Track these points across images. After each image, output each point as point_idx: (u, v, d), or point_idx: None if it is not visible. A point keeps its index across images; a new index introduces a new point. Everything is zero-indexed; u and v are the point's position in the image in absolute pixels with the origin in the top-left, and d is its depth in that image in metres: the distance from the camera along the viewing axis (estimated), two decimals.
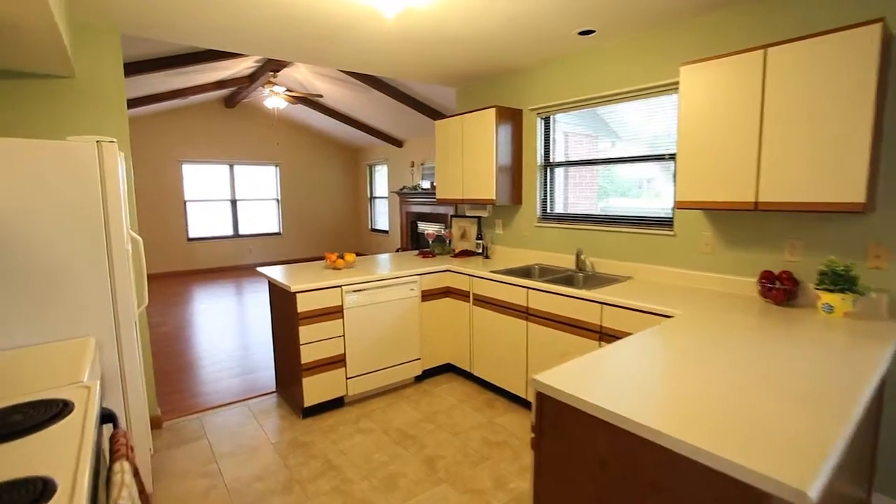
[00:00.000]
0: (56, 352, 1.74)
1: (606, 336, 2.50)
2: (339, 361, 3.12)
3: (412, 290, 3.42)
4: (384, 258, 3.99)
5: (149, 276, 8.18)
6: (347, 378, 3.17)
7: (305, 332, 2.95)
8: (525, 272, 3.51)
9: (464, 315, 3.53)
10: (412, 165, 8.32)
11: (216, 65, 5.75)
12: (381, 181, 9.89)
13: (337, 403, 3.22)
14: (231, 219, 9.09)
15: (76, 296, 1.90)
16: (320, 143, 9.98)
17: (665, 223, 2.91)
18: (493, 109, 3.53)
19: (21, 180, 1.75)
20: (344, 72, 5.85)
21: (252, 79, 6.88)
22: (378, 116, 7.83)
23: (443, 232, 4.37)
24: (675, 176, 2.79)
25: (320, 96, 6.43)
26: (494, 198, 3.60)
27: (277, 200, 9.59)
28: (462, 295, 3.52)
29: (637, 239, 3.03)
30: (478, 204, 3.89)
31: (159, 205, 8.26)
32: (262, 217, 9.47)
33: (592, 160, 3.39)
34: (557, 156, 3.63)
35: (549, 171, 3.68)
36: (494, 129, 3.55)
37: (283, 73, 6.57)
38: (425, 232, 4.36)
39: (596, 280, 3.14)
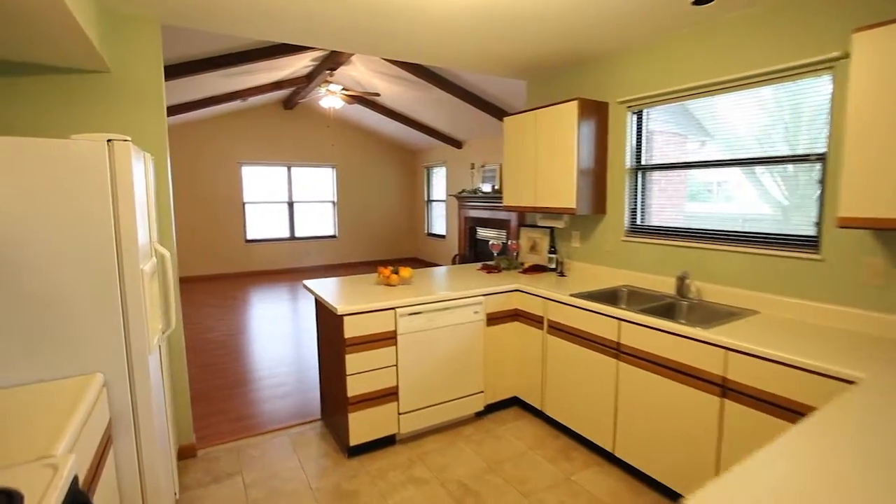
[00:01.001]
0: (45, 396, 1.41)
1: (733, 393, 1.91)
2: (390, 395, 2.70)
3: (476, 312, 2.94)
4: (442, 273, 3.55)
5: (206, 278, 8.23)
6: (400, 414, 2.74)
7: (353, 361, 2.55)
8: (611, 296, 2.94)
9: (535, 343, 3.01)
10: (472, 168, 7.86)
11: (273, 63, 5.56)
12: (439, 184, 9.50)
13: (387, 441, 2.80)
14: (288, 221, 9.03)
15: (77, 325, 1.57)
16: (377, 144, 9.75)
17: (806, 243, 2.26)
18: (576, 102, 2.99)
19: (8, 188, 1.43)
20: (404, 68, 5.49)
21: (309, 78, 6.68)
22: (437, 116, 7.44)
23: (510, 243, 3.87)
24: (821, 183, 2.14)
25: (377, 95, 6.11)
26: (575, 206, 3.06)
27: (333, 203, 9.44)
28: (534, 320, 3.00)
29: (763, 262, 2.39)
30: (552, 213, 3.36)
31: (218, 207, 8.30)
32: (319, 219, 9.35)
33: (700, 162, 2.76)
34: (648, 157, 3.03)
35: (640, 175, 3.08)
36: (576, 126, 3.00)
37: (340, 72, 6.31)
38: (490, 243, 3.88)
39: (707, 312, 2.52)
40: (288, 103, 8.37)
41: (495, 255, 3.84)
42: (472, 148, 8.18)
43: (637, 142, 3.06)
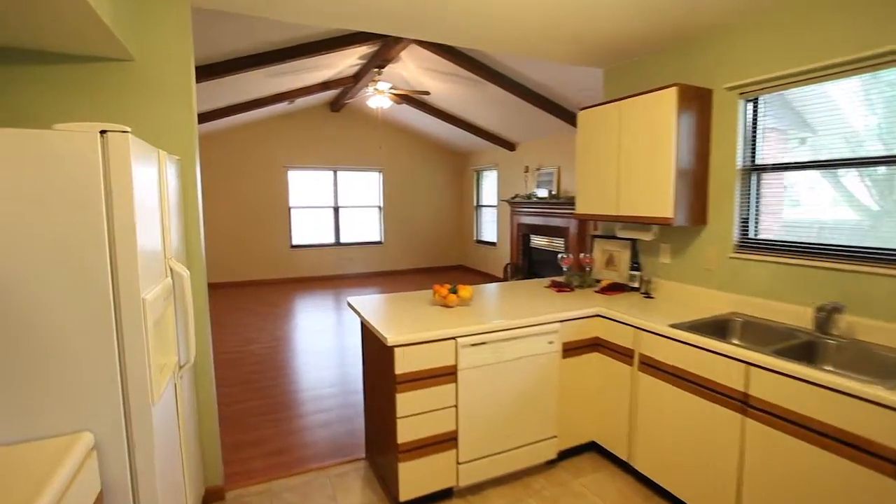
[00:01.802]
0: (12, 463, 1.05)
1: None
2: (448, 440, 2.25)
3: (551, 342, 2.45)
4: (505, 291, 3.07)
5: (250, 283, 8.10)
6: (459, 463, 2.28)
7: (405, 402, 2.12)
8: (719, 327, 2.38)
9: (621, 381, 2.48)
10: (526, 171, 7.34)
11: (320, 61, 5.28)
12: (489, 188, 9.03)
13: (443, 495, 2.34)
14: (333, 226, 8.80)
15: (56, 370, 1.21)
16: (424, 146, 9.40)
17: None
18: (675, 89, 2.45)
19: None
20: (456, 63, 5.06)
21: (357, 78, 6.38)
22: (490, 116, 6.98)
23: (583, 256, 3.35)
24: None
25: (427, 93, 5.72)
26: (672, 216, 2.52)
27: (379, 208, 9.15)
28: (620, 353, 2.48)
29: None
30: (639, 223, 2.82)
31: (264, 212, 8.17)
32: (364, 225, 9.08)
33: (842, 161, 2.15)
34: (760, 155, 2.45)
35: (754, 178, 2.50)
36: (675, 118, 2.46)
37: (389, 71, 5.97)
38: (560, 256, 3.37)
39: (870, 358, 1.92)
40: (334, 105, 8.16)
41: (565, 269, 3.34)
42: (526, 150, 7.66)
43: (752, 136, 2.48)
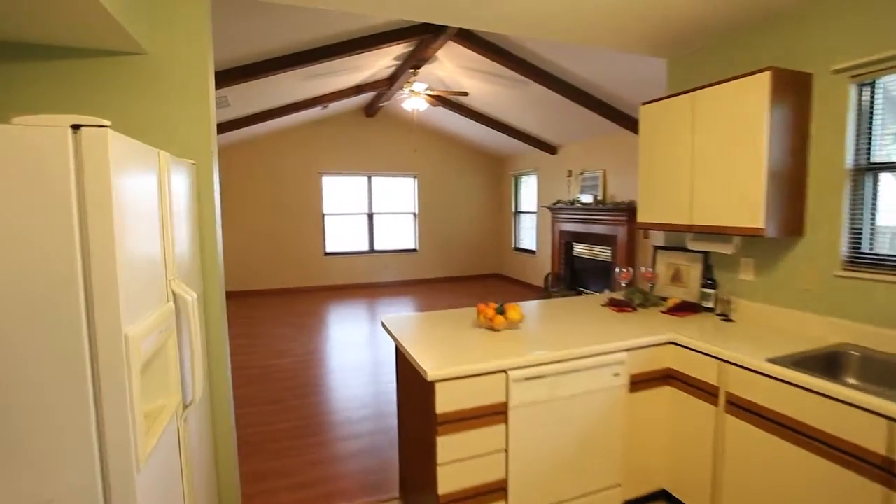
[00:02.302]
0: None
1: None
2: (496, 490, 1.91)
3: (617, 375, 2.08)
4: (557, 310, 2.72)
5: (283, 291, 7.99)
6: None
7: (447, 447, 1.80)
8: (828, 362, 1.95)
9: (701, 422, 2.08)
10: (569, 175, 6.94)
11: (354, 63, 5.07)
12: (528, 194, 8.64)
13: None
14: (367, 233, 8.61)
15: (11, 430, 0.95)
16: (460, 150, 9.10)
17: None
18: (768, 74, 2.05)
19: None
20: (497, 60, 4.75)
21: (391, 81, 6.16)
22: (530, 117, 6.62)
23: (644, 271, 2.96)
24: None
25: (465, 94, 5.42)
26: (763, 225, 2.11)
27: (414, 214, 8.91)
28: (700, 389, 2.08)
29: None
30: (717, 234, 2.41)
31: (298, 218, 8.05)
32: (398, 232, 8.86)
33: None
34: (880, 153, 2.01)
35: (868, 179, 2.07)
36: (768, 109, 2.06)
37: (425, 71, 5.71)
38: (618, 271, 3.00)
39: None
40: (369, 110, 7.98)
41: (623, 284, 2.95)
42: (569, 153, 7.25)
43: (867, 128, 2.05)
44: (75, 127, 0.97)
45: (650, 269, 2.96)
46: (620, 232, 5.97)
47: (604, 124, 5.87)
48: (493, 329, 2.28)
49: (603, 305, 2.82)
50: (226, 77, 3.92)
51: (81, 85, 1.82)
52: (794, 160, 2.18)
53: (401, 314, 2.61)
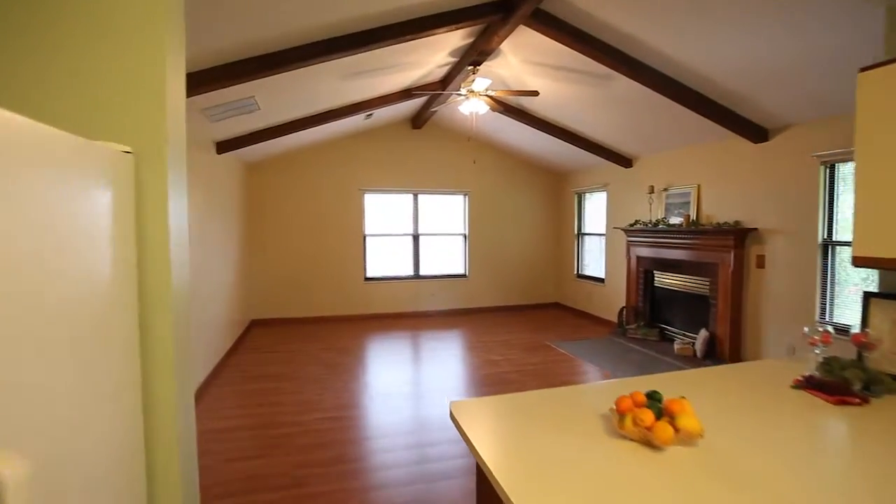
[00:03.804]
0: None
1: None
2: None
3: None
4: (723, 397, 1.70)
5: (320, 320, 7.20)
6: None
7: None
8: None
9: None
10: (651, 192, 5.86)
11: (404, 57, 4.27)
12: (595, 213, 7.58)
13: None
14: (412, 257, 7.77)
15: None
16: (516, 165, 8.18)
17: None
18: None
19: None
20: (580, 47, 3.82)
21: (445, 83, 5.35)
22: (606, 123, 5.63)
23: (861, 334, 1.88)
24: None
25: (536, 93, 4.51)
26: None
27: (465, 236, 8.01)
28: None
29: None
30: None
31: (337, 239, 7.31)
32: (446, 255, 7.97)
33: None
34: None
35: None
36: None
37: (485, 70, 4.86)
38: (851, 332, 1.94)
39: None
40: (416, 121, 7.21)
41: (816, 352, 1.90)
42: (648, 166, 6.18)
43: None
44: None
45: (865, 330, 1.89)
46: (725, 260, 4.83)
47: (703, 128, 4.81)
48: (649, 445, 1.30)
49: (795, 387, 1.77)
50: (246, 68, 3.17)
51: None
52: None
53: (478, 399, 1.67)
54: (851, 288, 4.17)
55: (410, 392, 4.27)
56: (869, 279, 3.95)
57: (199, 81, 3.09)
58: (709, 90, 4.11)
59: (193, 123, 4.04)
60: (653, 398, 1.48)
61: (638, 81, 4.11)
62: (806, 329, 1.93)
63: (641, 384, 1.80)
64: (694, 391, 1.71)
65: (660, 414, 1.38)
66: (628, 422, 1.35)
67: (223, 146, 4.98)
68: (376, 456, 3.08)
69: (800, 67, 3.38)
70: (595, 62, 4.06)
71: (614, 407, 1.46)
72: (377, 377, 4.72)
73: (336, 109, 5.29)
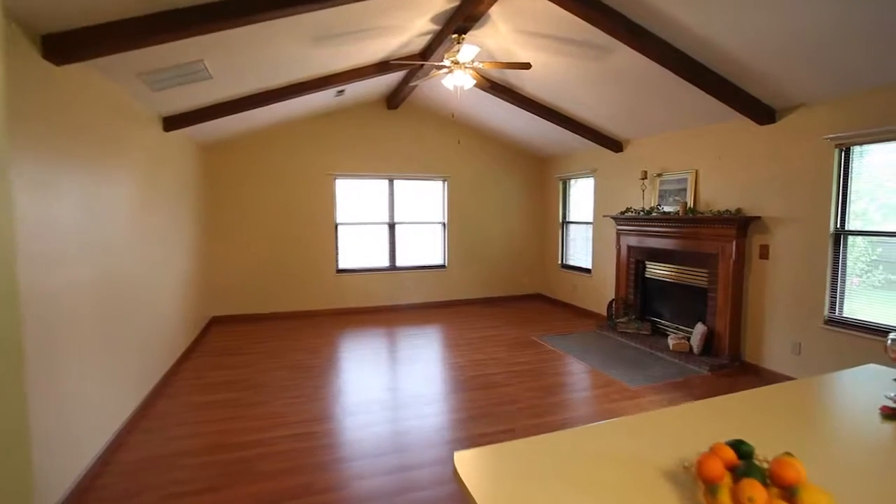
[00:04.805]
0: None
1: None
2: None
3: None
4: (811, 441, 1.30)
5: (289, 316, 6.64)
6: None
7: None
8: None
9: None
10: (643, 178, 5.50)
11: (380, 19, 3.74)
12: (582, 201, 7.23)
13: None
14: (388, 246, 7.26)
15: None
16: (498, 149, 7.74)
17: None
18: None
19: None
20: (583, 13, 3.37)
21: (425, 55, 4.82)
22: (599, 101, 5.23)
23: None
24: None
25: (528, 66, 4.05)
26: None
27: (444, 224, 7.54)
28: None
29: None
30: None
31: (306, 228, 6.73)
32: (424, 245, 7.49)
33: None
34: None
35: None
36: None
37: (472, 39, 4.36)
38: (890, 342, 1.56)
39: None
40: (392, 101, 6.66)
41: None
42: (640, 150, 5.83)
43: None
44: None
45: None
46: (725, 250, 4.52)
47: (703, 108, 4.46)
48: None
49: (886, 416, 1.40)
50: (186, 19, 2.57)
51: None
52: None
53: (491, 448, 1.22)
54: (854, 279, 3.92)
55: (389, 400, 3.81)
56: (873, 270, 3.69)
57: (127, 32, 2.50)
58: (719, 64, 3.73)
59: (130, 92, 3.42)
60: (743, 453, 1.07)
61: (642, 52, 3.69)
62: (890, 340, 1.56)
63: (693, 418, 1.39)
64: (768, 429, 1.31)
65: (763, 480, 0.97)
66: (724, 497, 0.93)
67: (172, 122, 4.34)
68: (352, 485, 2.62)
69: (836, 36, 3.01)
70: (594, 30, 3.62)
71: (690, 466, 1.04)
72: (352, 382, 4.24)
73: (303, 82, 4.70)
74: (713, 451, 1.06)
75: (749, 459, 1.06)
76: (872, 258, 3.73)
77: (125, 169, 3.35)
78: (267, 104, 4.76)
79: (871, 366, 1.93)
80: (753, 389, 1.65)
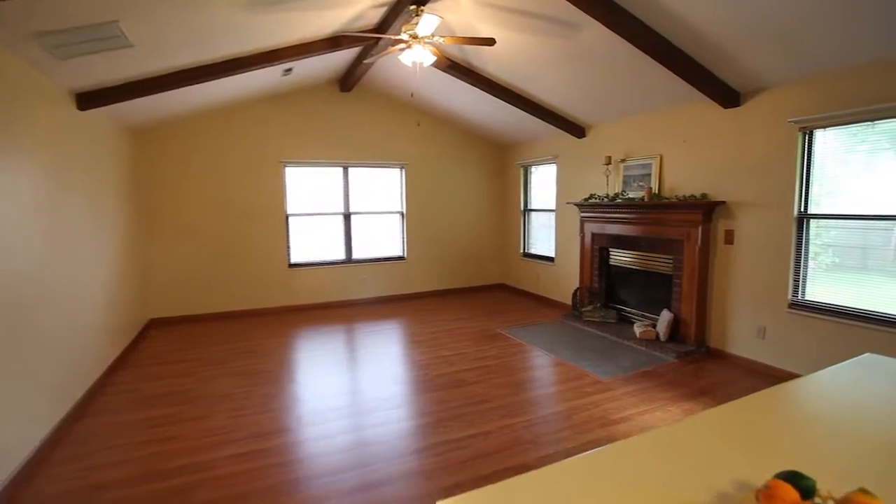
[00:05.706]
0: None
1: None
2: None
3: None
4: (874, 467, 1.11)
5: (235, 315, 6.15)
6: None
7: None
8: None
9: None
10: (608, 163, 5.38)
11: None
12: (544, 188, 7.08)
13: None
14: (343, 238, 6.86)
15: None
16: (458, 135, 7.46)
17: None
18: None
19: None
20: None
21: (381, 30, 4.45)
22: (562, 83, 5.04)
23: None
24: None
25: (492, 42, 3.78)
26: None
27: (402, 214, 7.21)
28: None
29: None
30: None
31: (254, 220, 6.22)
32: (382, 236, 7.14)
33: None
34: None
35: None
36: None
37: (432, 12, 4.03)
38: None
39: None
40: (346, 82, 6.23)
41: None
42: (603, 135, 5.71)
43: None
44: None
45: None
46: (691, 235, 4.46)
47: (668, 92, 4.35)
48: None
49: None
50: None
51: None
52: None
53: (479, 493, 0.96)
54: (812, 262, 3.94)
55: (349, 406, 3.49)
56: (829, 253, 3.72)
57: None
58: (689, 44, 3.60)
59: (26, 57, 2.87)
60: (805, 490, 0.85)
61: (613, 29, 3.50)
62: None
63: (716, 425, 1.18)
64: (809, 447, 1.11)
65: None
66: None
67: (88, 99, 3.78)
68: None
69: (805, 16, 2.91)
70: (563, 4, 3.38)
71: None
72: (306, 388, 3.88)
73: (244, 57, 4.22)
74: (771, 491, 0.84)
75: (813, 499, 0.85)
76: (826, 241, 3.75)
77: (23, 154, 2.82)
78: (203, 80, 4.26)
79: (868, 355, 1.82)
80: (761, 392, 1.47)
